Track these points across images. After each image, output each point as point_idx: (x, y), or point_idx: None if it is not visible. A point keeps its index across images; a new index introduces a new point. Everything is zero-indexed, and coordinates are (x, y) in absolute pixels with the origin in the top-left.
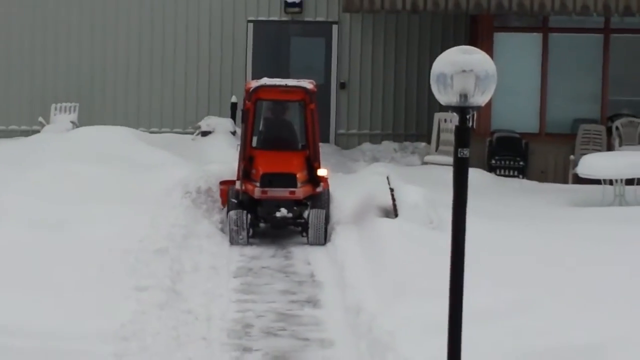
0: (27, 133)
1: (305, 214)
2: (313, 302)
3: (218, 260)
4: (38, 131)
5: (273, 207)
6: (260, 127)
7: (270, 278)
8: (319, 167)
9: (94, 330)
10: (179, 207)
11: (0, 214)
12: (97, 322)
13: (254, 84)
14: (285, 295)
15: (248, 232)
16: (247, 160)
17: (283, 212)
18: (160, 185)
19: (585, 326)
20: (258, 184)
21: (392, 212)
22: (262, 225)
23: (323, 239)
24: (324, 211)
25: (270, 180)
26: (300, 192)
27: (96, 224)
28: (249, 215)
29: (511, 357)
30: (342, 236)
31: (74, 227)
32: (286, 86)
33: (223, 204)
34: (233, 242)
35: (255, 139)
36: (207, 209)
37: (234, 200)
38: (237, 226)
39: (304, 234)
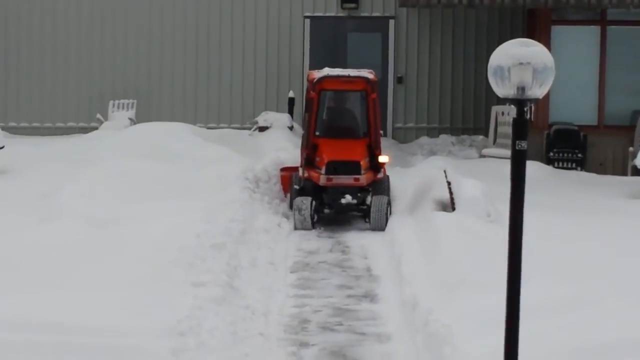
0: (85, 130)
1: (368, 200)
2: (370, 297)
3: (275, 256)
4: (96, 128)
5: (338, 194)
6: (324, 116)
7: (327, 273)
8: (380, 154)
9: (150, 326)
10: (236, 202)
11: (58, 211)
12: (153, 318)
13: (317, 74)
14: (342, 290)
15: (312, 218)
16: (310, 148)
17: (348, 198)
18: (217, 180)
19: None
20: (323, 171)
21: (450, 205)
22: (326, 211)
23: (384, 224)
24: (387, 198)
25: (335, 167)
26: (364, 179)
27: (153, 220)
28: (314, 202)
29: (567, 351)
30: (400, 230)
31: (131, 223)
32: (349, 76)
33: (285, 190)
34: (298, 227)
35: (318, 128)
36: (267, 200)
37: (296, 186)
38: (303, 212)
39: (367, 220)
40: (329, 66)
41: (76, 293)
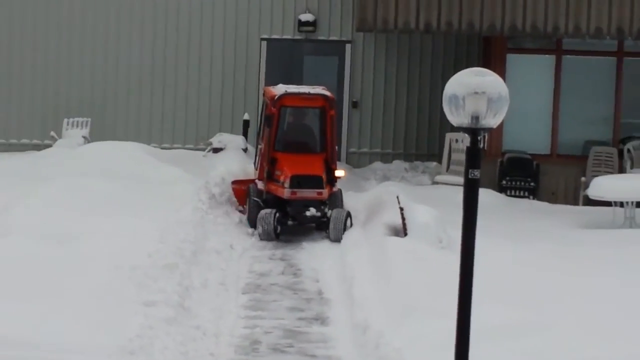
0: (39, 147)
1: (328, 213)
2: (321, 320)
3: (227, 277)
4: (50, 145)
5: (301, 207)
6: (282, 131)
7: (279, 295)
8: (336, 169)
9: (100, 345)
10: (188, 223)
11: (10, 227)
12: (104, 336)
13: (275, 90)
14: (293, 312)
15: (276, 230)
16: (270, 163)
17: (312, 211)
18: (170, 200)
19: (590, 346)
20: (287, 185)
21: (402, 231)
22: (289, 223)
23: (342, 235)
24: (346, 210)
25: (298, 181)
26: (325, 192)
27: (105, 239)
28: (277, 214)
29: None
30: (352, 254)
31: (82, 241)
32: (309, 94)
33: (240, 203)
34: (263, 238)
35: (277, 142)
36: (220, 222)
37: (256, 199)
38: (267, 224)
39: (326, 231)
40: None
41: (24, 308)
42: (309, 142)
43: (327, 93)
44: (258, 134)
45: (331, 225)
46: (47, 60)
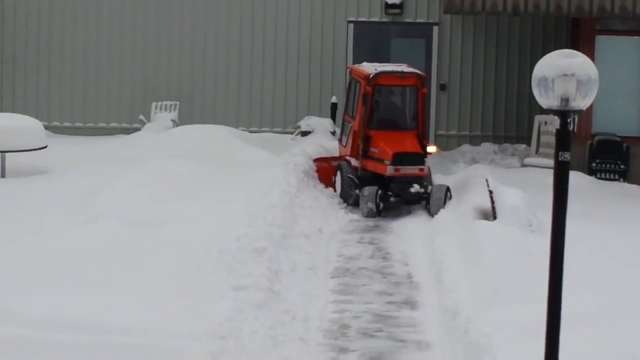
0: (127, 131)
1: (429, 189)
2: (410, 304)
3: (316, 261)
4: (139, 129)
5: (404, 184)
6: (375, 109)
7: (368, 279)
8: (427, 145)
9: (191, 329)
10: (277, 207)
11: (100, 211)
12: (194, 321)
13: (367, 69)
14: (382, 297)
15: (379, 206)
16: (364, 140)
17: (417, 187)
18: (258, 184)
19: None
20: (388, 162)
21: (491, 214)
22: (392, 199)
23: (442, 209)
24: (446, 185)
25: (400, 159)
26: (426, 168)
27: (194, 223)
28: (380, 191)
29: None
30: (441, 238)
31: (171, 225)
32: (402, 72)
33: (322, 180)
34: (365, 214)
35: (370, 121)
36: (307, 205)
37: (350, 176)
38: (370, 201)
39: (427, 206)
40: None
41: (119, 294)
42: (401, 119)
43: (419, 71)
44: (345, 111)
45: (432, 200)
46: (135, 45)
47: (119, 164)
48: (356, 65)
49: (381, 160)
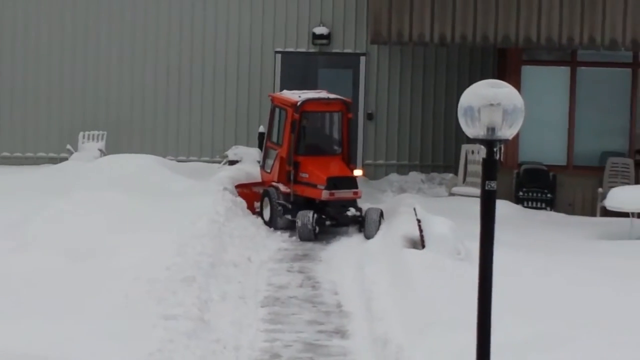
0: (55, 160)
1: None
2: (341, 333)
3: (246, 290)
4: (66, 159)
5: (340, 207)
6: (302, 136)
7: (298, 308)
8: (355, 168)
9: (122, 358)
10: (206, 236)
11: (28, 241)
12: (125, 350)
13: (288, 97)
14: (312, 326)
15: (315, 230)
16: (292, 166)
17: (352, 211)
18: (187, 213)
19: (615, 357)
20: (323, 187)
21: (420, 243)
22: (327, 223)
23: (376, 232)
24: (379, 209)
25: (335, 183)
26: (360, 192)
27: (123, 252)
28: (315, 215)
29: None
30: (370, 266)
31: (101, 255)
32: (328, 99)
33: (248, 206)
34: (303, 238)
35: (298, 147)
36: (236, 235)
37: (281, 202)
38: (306, 224)
39: (362, 229)
40: None
41: (46, 324)
42: (328, 144)
43: (344, 98)
44: (268, 138)
45: (367, 223)
46: (63, 74)
47: (46, 194)
48: (277, 94)
49: (314, 185)
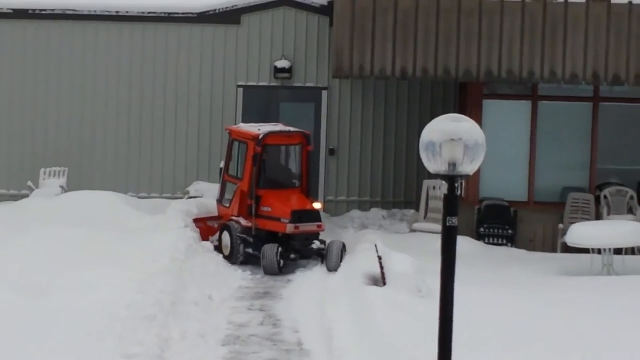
0: (15, 197)
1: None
2: None
3: (206, 328)
4: (27, 195)
5: (304, 240)
6: (262, 169)
7: (258, 346)
8: (314, 202)
9: None
10: (166, 273)
11: None
12: None
13: (253, 129)
14: None
15: (279, 264)
16: (253, 200)
17: (317, 244)
18: (148, 250)
19: None
20: (288, 221)
21: (381, 279)
22: (292, 256)
23: (338, 265)
24: (342, 242)
25: (299, 216)
26: (324, 225)
27: (83, 290)
28: (280, 248)
29: None
30: (331, 304)
31: (60, 292)
32: (289, 131)
33: (203, 239)
34: (267, 272)
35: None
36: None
37: (242, 235)
38: (270, 258)
39: (324, 261)
40: None
41: None
42: (287, 177)
43: (303, 130)
44: (226, 171)
45: (329, 256)
46: (23, 110)
47: (7, 230)
48: (235, 127)
49: (277, 219)
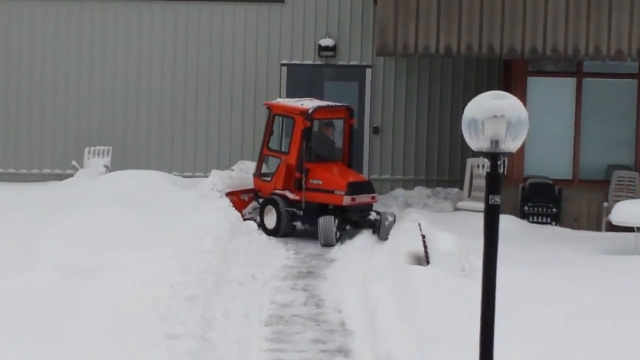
0: (60, 177)
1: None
2: (344, 352)
3: (249, 308)
4: (71, 175)
5: (359, 212)
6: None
7: (302, 327)
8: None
9: None
10: (210, 253)
11: (33, 259)
12: None
13: (300, 105)
14: (316, 345)
15: (336, 235)
16: (302, 173)
17: (374, 215)
18: (192, 230)
19: None
20: (343, 193)
21: (424, 259)
22: (348, 228)
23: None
24: (393, 213)
25: (354, 188)
26: (376, 196)
27: (128, 270)
28: (336, 220)
29: None
30: (374, 284)
31: (106, 273)
32: (335, 106)
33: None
34: (323, 243)
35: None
36: (241, 252)
37: (290, 209)
38: (328, 230)
39: (375, 232)
40: None
41: (51, 344)
42: (331, 150)
43: (349, 105)
44: (266, 146)
45: (383, 226)
46: (68, 90)
47: (53, 211)
48: (275, 102)
49: (331, 192)
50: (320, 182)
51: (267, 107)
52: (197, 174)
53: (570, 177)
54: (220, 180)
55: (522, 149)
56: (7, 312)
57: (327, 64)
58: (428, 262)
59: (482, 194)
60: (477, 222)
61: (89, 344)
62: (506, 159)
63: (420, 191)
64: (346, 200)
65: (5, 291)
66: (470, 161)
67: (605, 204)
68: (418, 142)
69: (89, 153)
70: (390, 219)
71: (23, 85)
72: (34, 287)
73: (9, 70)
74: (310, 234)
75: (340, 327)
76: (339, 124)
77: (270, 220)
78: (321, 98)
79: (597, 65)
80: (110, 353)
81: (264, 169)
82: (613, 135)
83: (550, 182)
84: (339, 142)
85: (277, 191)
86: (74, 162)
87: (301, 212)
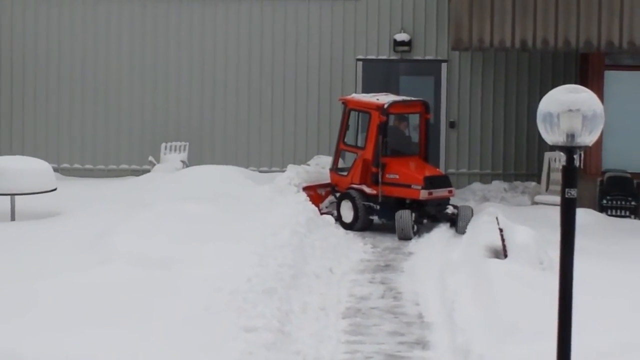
0: (137, 172)
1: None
2: (422, 344)
3: (327, 301)
4: (148, 170)
5: (436, 206)
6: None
7: (379, 319)
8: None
9: None
10: (287, 246)
11: (111, 253)
12: None
13: (376, 100)
14: (394, 337)
15: (414, 228)
16: (378, 167)
17: (451, 209)
18: (268, 224)
19: None
20: (421, 187)
21: (502, 252)
22: (425, 221)
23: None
24: (470, 207)
25: (431, 182)
26: (453, 190)
27: (204, 263)
28: (414, 214)
29: None
30: (452, 277)
31: (182, 266)
32: (411, 100)
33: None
34: (401, 237)
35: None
36: (318, 246)
37: (367, 203)
38: (405, 224)
39: (453, 226)
40: None
41: (129, 336)
42: (407, 145)
43: (424, 99)
44: (342, 141)
45: (460, 220)
46: (144, 86)
47: (129, 206)
48: (350, 97)
49: (408, 186)
50: (397, 177)
51: (343, 103)
52: (273, 169)
53: None
54: (296, 175)
55: (599, 143)
56: (86, 302)
57: (403, 59)
58: (506, 256)
59: (560, 188)
60: (556, 215)
61: (166, 335)
62: (583, 152)
63: (497, 185)
64: (423, 194)
65: (85, 283)
66: (547, 155)
67: None
68: (495, 136)
69: (165, 149)
70: (468, 214)
71: (100, 82)
72: (112, 279)
73: (86, 68)
74: (388, 228)
75: (418, 320)
76: (413, 118)
77: (348, 215)
78: (396, 93)
79: None
80: (188, 345)
81: (340, 164)
82: None
83: (629, 175)
84: (414, 136)
85: (354, 185)
86: (150, 158)
87: (378, 207)
